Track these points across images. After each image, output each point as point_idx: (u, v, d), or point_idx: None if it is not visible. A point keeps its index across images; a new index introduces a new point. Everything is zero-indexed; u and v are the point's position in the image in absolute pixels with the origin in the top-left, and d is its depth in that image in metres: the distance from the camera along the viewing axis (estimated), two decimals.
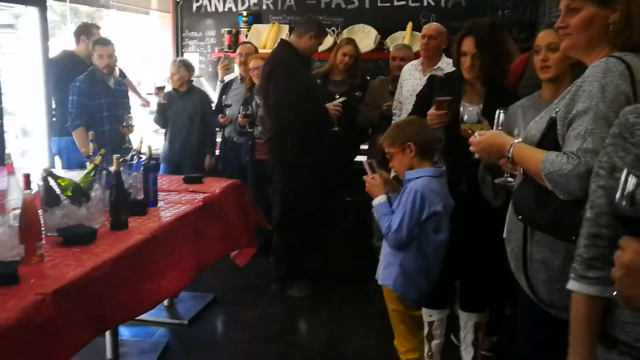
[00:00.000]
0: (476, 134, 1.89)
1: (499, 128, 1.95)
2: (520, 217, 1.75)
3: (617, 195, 1.04)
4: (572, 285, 1.39)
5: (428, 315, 2.98)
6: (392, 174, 2.96)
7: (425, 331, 2.93)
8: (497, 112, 1.97)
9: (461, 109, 2.62)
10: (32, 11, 4.81)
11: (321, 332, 3.73)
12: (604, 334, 1.34)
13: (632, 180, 1.02)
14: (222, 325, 3.93)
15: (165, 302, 3.88)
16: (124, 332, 3.56)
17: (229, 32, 6.39)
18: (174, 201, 3.25)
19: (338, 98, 4.40)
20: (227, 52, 6.29)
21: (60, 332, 1.94)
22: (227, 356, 3.37)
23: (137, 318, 3.40)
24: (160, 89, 5.05)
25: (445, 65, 4.03)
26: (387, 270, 2.50)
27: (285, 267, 4.29)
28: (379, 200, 2.49)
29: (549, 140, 1.68)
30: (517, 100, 2.56)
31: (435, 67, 4.12)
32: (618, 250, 1.02)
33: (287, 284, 4.26)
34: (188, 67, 5.02)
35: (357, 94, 4.76)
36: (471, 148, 1.90)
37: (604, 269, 1.30)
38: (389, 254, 2.50)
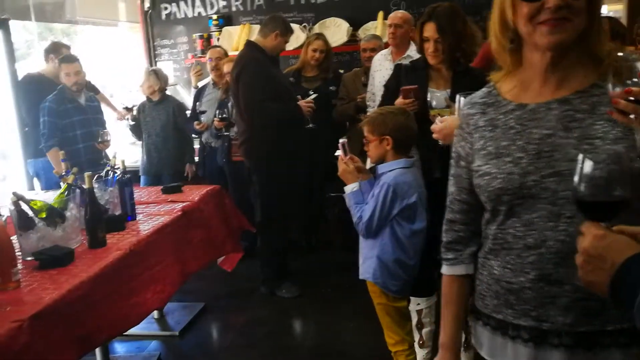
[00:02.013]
0: (437, 120, 1.89)
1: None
2: None
3: (575, 180, 1.04)
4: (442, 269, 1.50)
5: (416, 304, 2.98)
6: (368, 164, 2.96)
7: (415, 320, 2.93)
8: (457, 97, 1.96)
9: (429, 95, 2.63)
10: None
11: (313, 331, 3.73)
12: (473, 306, 1.45)
13: (588, 164, 1.02)
14: (214, 333, 3.92)
15: (155, 315, 3.87)
16: (117, 347, 3.55)
17: (201, 37, 6.37)
18: (153, 213, 3.23)
19: (311, 94, 4.39)
20: (199, 57, 6.27)
21: (40, 356, 1.92)
22: None
23: (128, 333, 3.40)
24: (128, 110, 5.02)
25: (415, 52, 4.02)
26: (365, 263, 2.50)
27: (272, 269, 4.29)
28: (351, 188, 2.49)
29: None
30: (485, 83, 2.56)
31: (405, 55, 4.11)
32: (579, 236, 1.03)
33: (276, 285, 4.25)
34: (159, 76, 4.99)
35: (331, 88, 4.76)
36: (434, 135, 1.90)
37: (461, 250, 1.44)
38: (367, 247, 2.50)
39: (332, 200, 5.01)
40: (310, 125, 4.22)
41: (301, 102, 4.16)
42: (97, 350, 3.13)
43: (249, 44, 4.21)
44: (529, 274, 1.29)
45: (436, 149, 2.45)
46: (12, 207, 2.50)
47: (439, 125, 1.87)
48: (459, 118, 1.88)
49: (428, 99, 2.58)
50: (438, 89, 2.71)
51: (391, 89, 2.97)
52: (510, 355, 1.35)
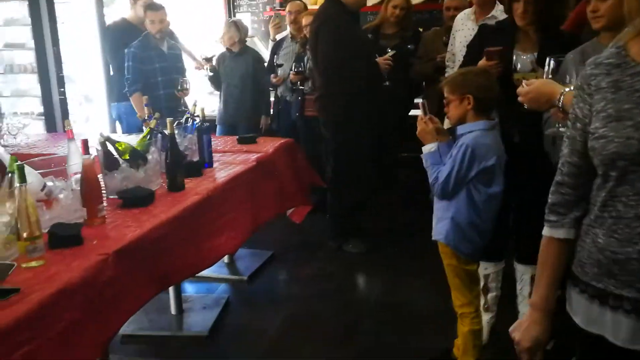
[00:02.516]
0: (523, 83, 1.83)
1: (550, 76, 1.88)
2: None
3: None
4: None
5: (484, 268, 2.96)
6: (447, 125, 2.91)
7: (481, 284, 2.92)
8: (547, 59, 1.90)
9: (514, 58, 2.54)
10: None
11: (378, 288, 3.77)
12: (570, 273, 1.44)
13: None
14: (281, 281, 4.03)
15: (226, 259, 4.00)
16: (187, 288, 3.70)
17: None
18: (229, 161, 3.31)
19: (389, 52, 4.33)
20: (278, 10, 6.26)
21: (123, 290, 2.04)
22: (286, 311, 3.46)
23: (199, 275, 3.54)
24: (208, 60, 5.07)
25: (500, 13, 3.88)
26: (439, 224, 2.49)
27: (341, 224, 4.33)
28: (429, 148, 2.46)
29: None
30: (576, 47, 2.46)
31: (489, 15, 3.97)
32: None
33: (344, 241, 4.30)
34: (239, 27, 5.02)
35: (409, 47, 4.67)
36: (519, 98, 1.85)
37: (565, 214, 1.41)
38: (441, 208, 2.48)
39: (404, 160, 4.98)
40: (387, 84, 4.18)
41: (379, 60, 4.12)
42: (171, 288, 3.28)
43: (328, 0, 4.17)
44: (637, 245, 1.25)
45: (517, 114, 2.39)
46: (99, 148, 2.62)
47: (526, 88, 1.81)
48: (549, 81, 1.83)
49: (513, 62, 2.50)
50: (524, 52, 2.61)
51: (474, 50, 2.89)
52: (609, 325, 1.33)
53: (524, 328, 1.48)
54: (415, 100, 4.89)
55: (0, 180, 2.20)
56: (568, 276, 1.44)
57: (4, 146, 3.46)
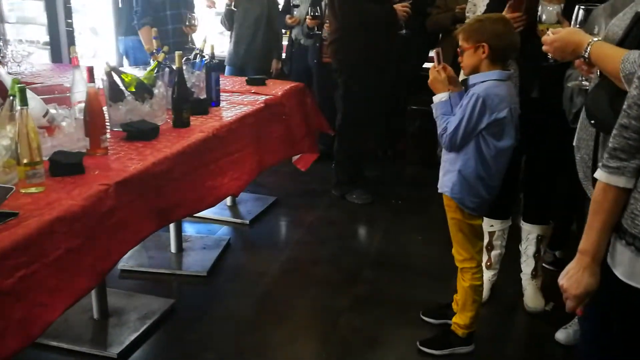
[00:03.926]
0: (549, 31, 1.74)
1: (577, 26, 1.79)
2: (592, 122, 1.63)
3: None
4: (596, 174, 1.40)
5: (489, 225, 2.93)
6: (461, 77, 2.82)
7: (486, 241, 2.88)
8: (577, 7, 1.80)
9: (539, 8, 2.44)
10: None
11: (379, 238, 3.75)
12: (618, 224, 1.38)
13: None
14: (283, 227, 4.01)
15: (228, 202, 3.97)
16: (188, 228, 3.68)
17: None
18: (236, 102, 3.25)
19: None
20: None
21: (123, 222, 2.00)
22: (286, 256, 3.45)
23: (201, 215, 3.56)
24: None
25: None
26: (445, 177, 2.42)
27: (346, 173, 4.29)
28: (440, 97, 2.37)
29: (633, 37, 1.53)
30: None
31: None
32: None
33: (348, 190, 4.26)
34: None
35: None
36: (544, 47, 1.76)
37: (626, 160, 1.33)
38: (448, 160, 2.41)
39: (413, 113, 4.90)
40: (403, 32, 4.07)
41: (397, 5, 3.99)
42: (172, 227, 3.27)
43: None
44: None
45: (538, 68, 2.30)
46: (105, 78, 2.55)
47: (552, 37, 1.72)
48: (577, 30, 1.74)
49: (538, 12, 2.39)
50: (551, 2, 2.50)
51: (498, 0, 2.78)
52: None
53: (571, 275, 1.43)
54: (430, 53, 4.78)
55: (1, 102, 2.15)
56: (614, 228, 1.39)
57: (8, 74, 3.38)
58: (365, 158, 4.44)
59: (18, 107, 1.82)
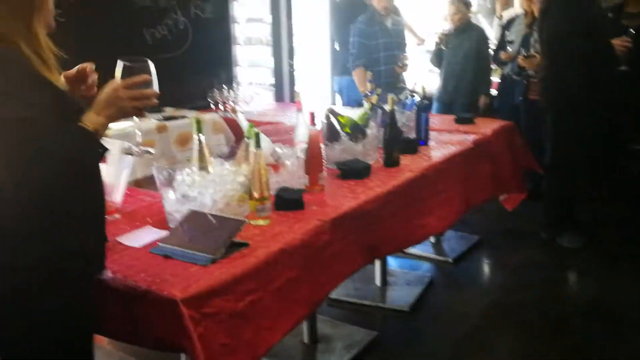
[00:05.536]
0: None
1: None
2: None
3: None
4: None
5: None
6: None
7: None
8: None
9: None
10: None
11: (591, 286, 3.52)
12: None
13: None
14: (486, 267, 3.94)
15: (432, 239, 4.00)
16: (392, 262, 3.77)
17: None
18: (445, 141, 3.29)
19: (630, 32, 3.93)
20: None
21: (337, 256, 2.14)
22: (490, 297, 3.38)
23: (405, 251, 3.64)
24: (446, 36, 4.99)
25: None
26: None
27: (556, 214, 4.09)
28: None
29: None
30: None
31: None
32: None
33: (558, 232, 4.06)
34: (466, 4, 4.92)
35: None
36: None
37: None
38: None
39: (636, 153, 4.53)
40: (623, 68, 3.81)
41: (615, 41, 3.76)
42: (377, 261, 3.38)
43: None
44: None
45: None
46: (325, 120, 2.76)
47: None
48: None
49: None
50: None
51: None
52: None
53: None
54: None
55: (239, 143, 2.44)
56: None
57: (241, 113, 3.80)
58: (577, 198, 4.20)
59: (253, 149, 2.06)
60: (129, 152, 1.75)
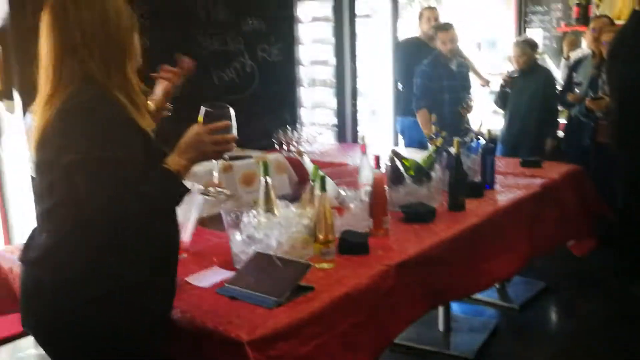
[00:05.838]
0: None
1: None
2: None
3: None
4: None
5: None
6: None
7: None
8: None
9: None
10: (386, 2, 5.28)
11: None
12: None
13: None
14: (553, 315, 3.81)
15: (497, 285, 3.90)
16: (456, 308, 3.68)
17: (578, 5, 6.01)
18: (511, 185, 3.23)
19: None
20: (573, 26, 5.94)
21: (400, 302, 2.12)
22: (558, 347, 3.26)
23: (470, 297, 3.55)
24: (511, 78, 4.95)
25: None
26: None
27: (629, 261, 3.93)
28: None
29: None
30: None
31: None
32: None
33: (632, 280, 3.90)
34: (533, 46, 4.88)
35: None
36: None
37: None
38: None
39: None
40: None
41: None
42: (440, 307, 3.32)
43: (635, 15, 3.81)
44: None
45: None
46: (389, 163, 2.77)
47: None
48: None
49: None
50: None
51: None
52: None
53: None
54: None
55: (302, 184, 2.47)
56: None
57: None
58: None
59: (319, 192, 2.08)
60: (204, 193, 1.80)
